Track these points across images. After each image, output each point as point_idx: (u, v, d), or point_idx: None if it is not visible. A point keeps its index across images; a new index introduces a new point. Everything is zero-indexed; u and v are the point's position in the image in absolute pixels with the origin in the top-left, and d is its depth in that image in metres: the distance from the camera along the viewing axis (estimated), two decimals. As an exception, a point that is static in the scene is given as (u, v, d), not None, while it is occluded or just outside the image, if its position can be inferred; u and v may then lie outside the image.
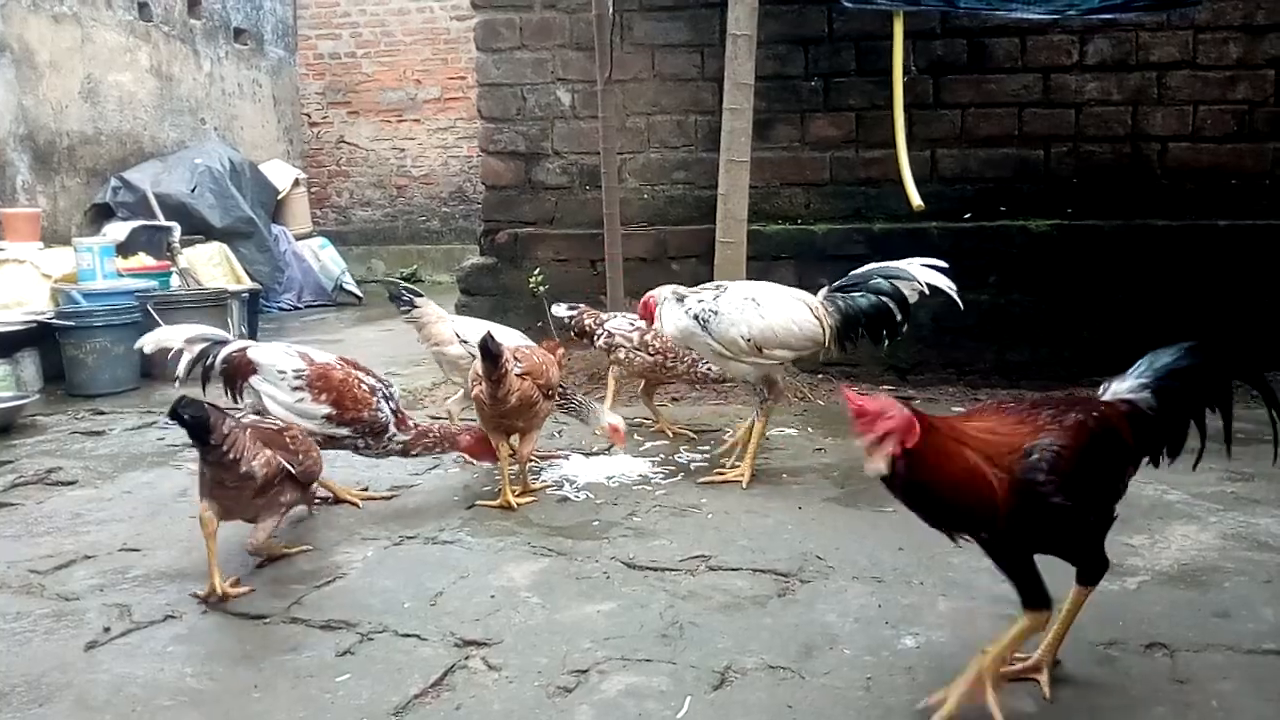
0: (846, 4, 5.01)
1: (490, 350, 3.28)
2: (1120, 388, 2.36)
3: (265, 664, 2.39)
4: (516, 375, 3.36)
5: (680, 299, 3.85)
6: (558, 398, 3.67)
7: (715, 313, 3.72)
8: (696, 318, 3.75)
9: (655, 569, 2.95)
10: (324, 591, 2.81)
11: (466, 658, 2.41)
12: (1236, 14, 5.37)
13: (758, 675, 2.31)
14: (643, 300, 4.01)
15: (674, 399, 5.17)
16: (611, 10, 5.20)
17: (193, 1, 10.36)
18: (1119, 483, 2.27)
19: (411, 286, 4.27)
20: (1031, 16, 4.95)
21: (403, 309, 4.15)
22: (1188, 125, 5.52)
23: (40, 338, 5.83)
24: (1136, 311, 5.28)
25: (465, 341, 4.02)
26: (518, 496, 3.54)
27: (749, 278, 5.12)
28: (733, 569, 2.94)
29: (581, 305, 4.72)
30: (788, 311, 3.73)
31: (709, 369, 4.35)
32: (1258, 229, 5.26)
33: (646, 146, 5.98)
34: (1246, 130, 5.45)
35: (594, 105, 5.69)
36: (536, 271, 5.68)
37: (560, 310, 4.66)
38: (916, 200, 4.99)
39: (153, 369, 6.12)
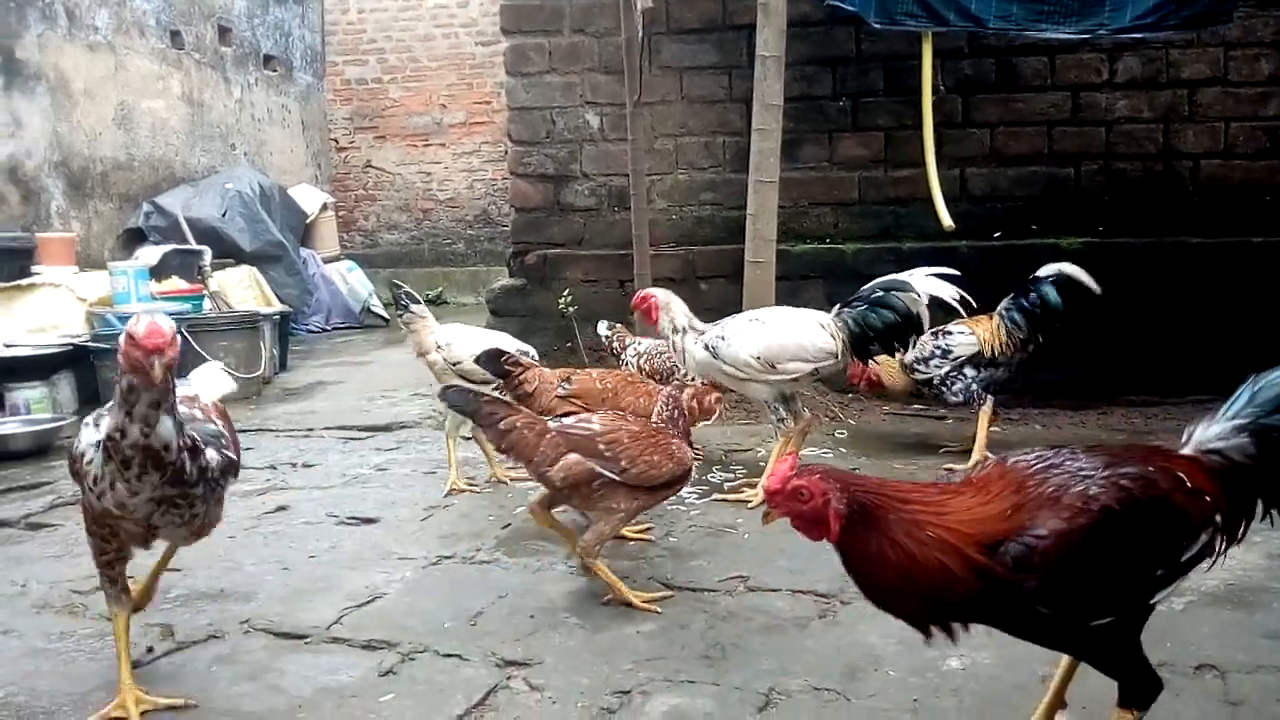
0: (875, 24, 5.03)
1: (490, 369, 3.20)
2: (1208, 434, 1.86)
3: (308, 684, 2.39)
4: (560, 397, 3.26)
5: (700, 332, 3.88)
6: None
7: (722, 338, 3.81)
8: (707, 348, 3.81)
9: (694, 589, 2.93)
10: (364, 611, 2.82)
11: (509, 678, 2.41)
12: (1268, 30, 5.35)
13: (803, 697, 2.29)
14: (640, 295, 3.93)
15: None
16: (641, 34, 5.24)
17: (223, 29, 10.53)
18: (1176, 570, 1.76)
19: (413, 292, 4.25)
20: (1061, 36, 4.94)
21: (399, 311, 4.16)
22: (1219, 142, 5.49)
23: (75, 360, 5.89)
24: (1169, 329, 5.23)
25: (440, 347, 3.97)
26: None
27: (778, 298, 5.12)
28: (772, 589, 2.93)
29: (619, 326, 4.72)
30: (794, 327, 3.83)
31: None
32: (1293, 246, 5.22)
33: (674, 168, 6.01)
34: (1279, 147, 5.42)
35: (622, 128, 5.73)
36: (566, 292, 5.70)
37: (602, 329, 4.67)
38: (947, 220, 5.00)
39: (186, 391, 6.20)
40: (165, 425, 2.08)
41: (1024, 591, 1.66)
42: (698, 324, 3.93)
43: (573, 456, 2.69)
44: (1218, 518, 1.78)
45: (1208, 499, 1.77)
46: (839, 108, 5.79)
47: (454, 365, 3.96)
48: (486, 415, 2.72)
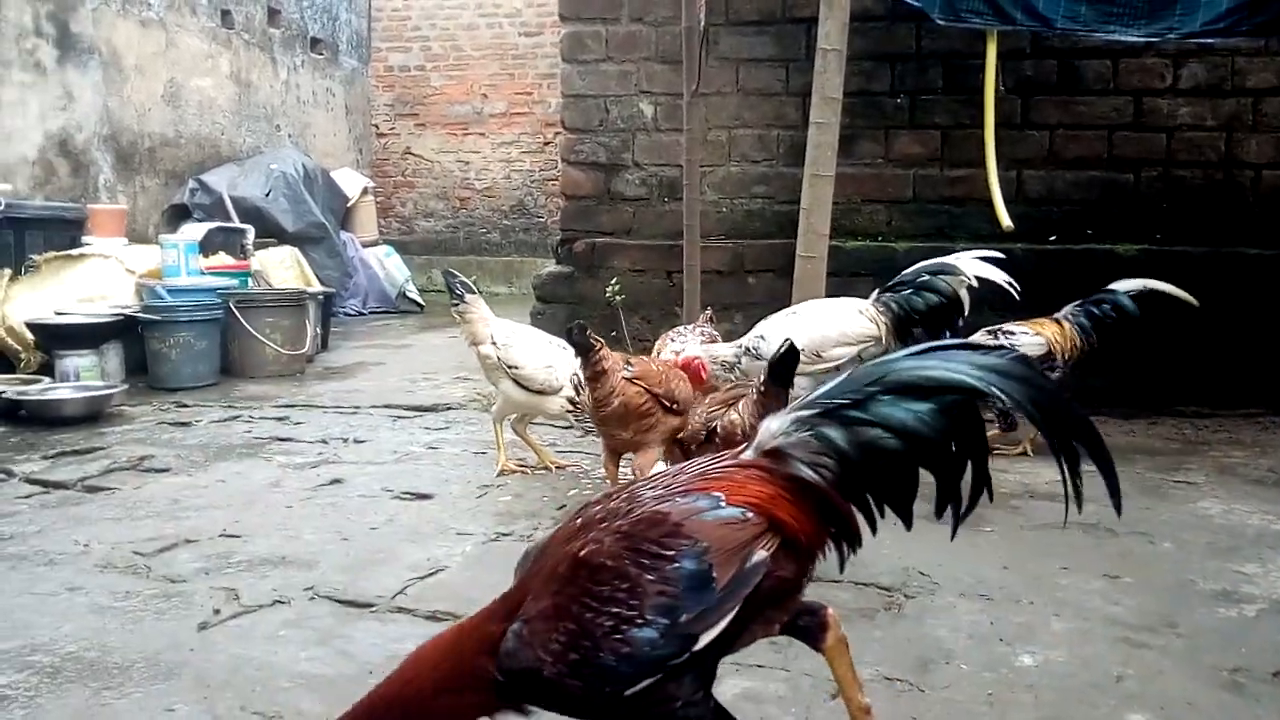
0: (939, 21, 4.98)
1: (578, 342, 3.23)
2: (768, 431, 1.59)
3: (377, 652, 2.39)
4: (625, 379, 3.26)
5: (741, 347, 3.90)
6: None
7: (763, 338, 3.82)
8: (749, 351, 3.82)
9: (755, 577, 2.91)
10: (427, 583, 2.82)
11: (576, 654, 2.40)
12: (1338, 41, 5.27)
13: (875, 686, 2.26)
14: (683, 361, 3.75)
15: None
16: (701, 23, 5.21)
17: (273, 10, 10.58)
18: (718, 605, 1.43)
19: (467, 281, 4.13)
20: (1128, 38, 4.87)
21: (453, 301, 4.05)
22: (1283, 153, 5.42)
23: (124, 331, 5.94)
24: (1224, 341, 5.17)
25: (496, 344, 3.92)
26: None
27: (828, 294, 5.09)
28: (833, 581, 2.88)
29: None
30: (832, 314, 3.90)
31: None
32: (1355, 260, 5.14)
33: (727, 160, 5.98)
34: (1344, 159, 5.34)
35: (675, 118, 5.71)
36: (614, 281, 5.69)
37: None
38: (1006, 221, 4.94)
39: (231, 366, 6.25)
40: None
41: (546, 679, 1.40)
42: (736, 344, 3.93)
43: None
44: (775, 534, 1.51)
45: (749, 516, 1.49)
46: (896, 104, 5.74)
47: (511, 368, 3.89)
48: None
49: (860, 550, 2.96)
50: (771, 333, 3.81)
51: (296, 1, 11.04)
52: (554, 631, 1.40)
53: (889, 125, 5.75)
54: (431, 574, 2.88)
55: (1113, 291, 4.34)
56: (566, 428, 4.54)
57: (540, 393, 3.87)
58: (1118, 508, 1.57)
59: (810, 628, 1.69)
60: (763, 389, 2.87)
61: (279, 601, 2.69)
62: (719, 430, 3.05)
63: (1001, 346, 1.64)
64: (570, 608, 1.41)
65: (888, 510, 1.66)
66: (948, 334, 3.93)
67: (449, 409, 5.26)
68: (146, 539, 3.18)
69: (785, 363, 2.71)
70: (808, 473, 1.55)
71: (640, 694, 1.42)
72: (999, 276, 3.88)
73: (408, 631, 2.50)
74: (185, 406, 5.32)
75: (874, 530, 1.65)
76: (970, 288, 3.87)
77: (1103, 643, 2.48)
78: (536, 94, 12.84)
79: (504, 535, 3.24)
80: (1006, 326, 4.27)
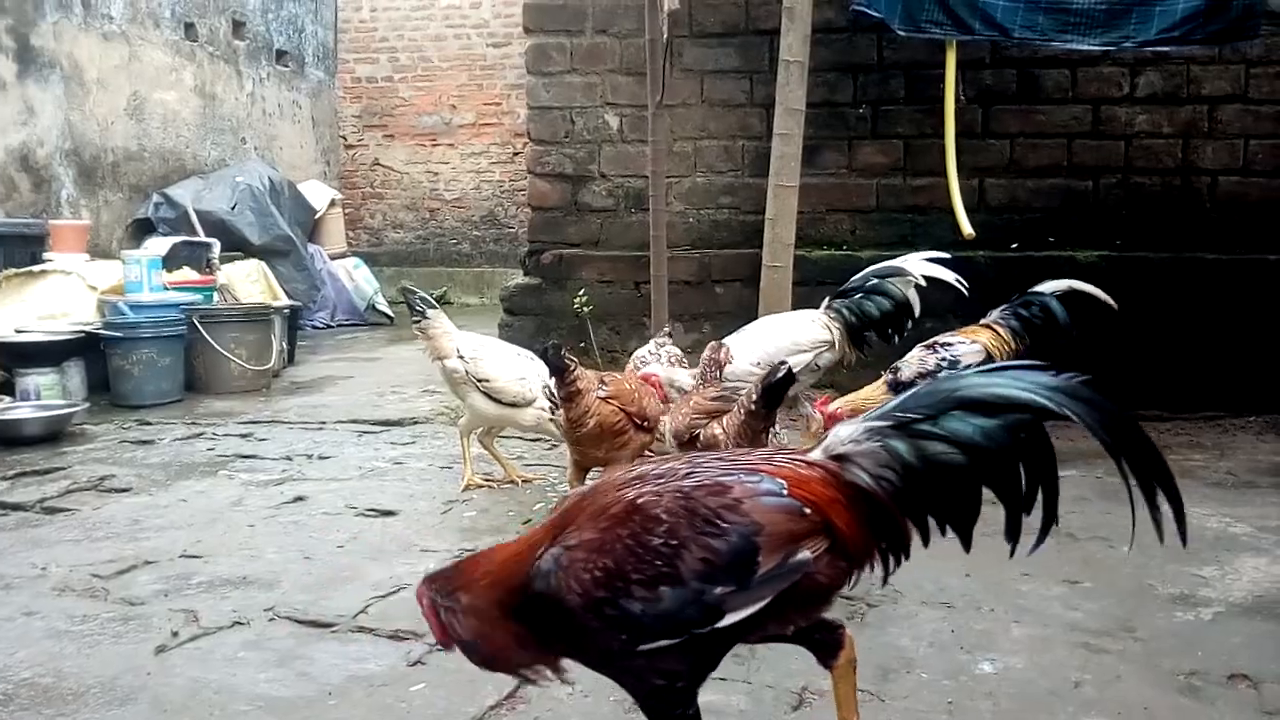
0: (899, 31, 5.02)
1: (552, 361, 3.23)
2: (839, 436, 1.62)
3: (337, 672, 2.37)
4: (600, 399, 3.23)
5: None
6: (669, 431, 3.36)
7: None
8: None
9: (719, 588, 2.91)
10: (389, 601, 2.80)
11: (539, 671, 2.39)
12: (1290, 49, 5.37)
13: (836, 696, 2.27)
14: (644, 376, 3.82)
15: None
16: (665, 36, 5.23)
17: (237, 23, 10.51)
18: (749, 590, 1.47)
19: (427, 297, 4.08)
20: (1084, 47, 4.94)
21: (414, 318, 4.00)
22: (1238, 159, 5.51)
23: (86, 348, 5.87)
24: (1184, 345, 5.24)
25: (464, 358, 3.90)
26: None
27: (794, 303, 5.12)
28: (798, 590, 2.91)
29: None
30: (782, 327, 3.95)
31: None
32: (1310, 264, 5.23)
33: (693, 171, 6.01)
34: (1299, 165, 5.44)
35: (641, 129, 5.73)
36: (581, 292, 5.69)
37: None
38: (968, 229, 4.99)
39: (196, 382, 6.19)
40: None
41: (567, 608, 1.45)
42: (693, 372, 3.91)
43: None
44: (825, 537, 1.54)
45: (806, 512, 1.52)
46: (859, 115, 5.79)
47: (482, 382, 3.87)
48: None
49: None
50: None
51: (261, 14, 10.98)
52: (590, 564, 1.43)
53: (852, 135, 5.80)
54: (394, 592, 2.86)
55: (1039, 293, 4.27)
56: (534, 440, 4.53)
57: (513, 405, 3.85)
58: (1183, 535, 1.55)
59: (826, 644, 1.71)
60: (753, 408, 2.84)
61: (239, 623, 2.66)
62: (701, 438, 3.07)
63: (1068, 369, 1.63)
64: (615, 546, 1.44)
65: (948, 530, 1.67)
66: (897, 339, 3.98)
67: (415, 423, 5.23)
68: (105, 561, 3.14)
69: (779, 387, 2.73)
70: (870, 483, 1.56)
71: (649, 654, 1.45)
72: (947, 275, 3.94)
73: (369, 651, 2.49)
74: (148, 424, 5.26)
75: (925, 544, 1.64)
76: (918, 287, 3.93)
77: (1062, 648, 2.51)
78: (505, 105, 12.83)
79: (468, 551, 3.20)
80: (942, 339, 4.12)
